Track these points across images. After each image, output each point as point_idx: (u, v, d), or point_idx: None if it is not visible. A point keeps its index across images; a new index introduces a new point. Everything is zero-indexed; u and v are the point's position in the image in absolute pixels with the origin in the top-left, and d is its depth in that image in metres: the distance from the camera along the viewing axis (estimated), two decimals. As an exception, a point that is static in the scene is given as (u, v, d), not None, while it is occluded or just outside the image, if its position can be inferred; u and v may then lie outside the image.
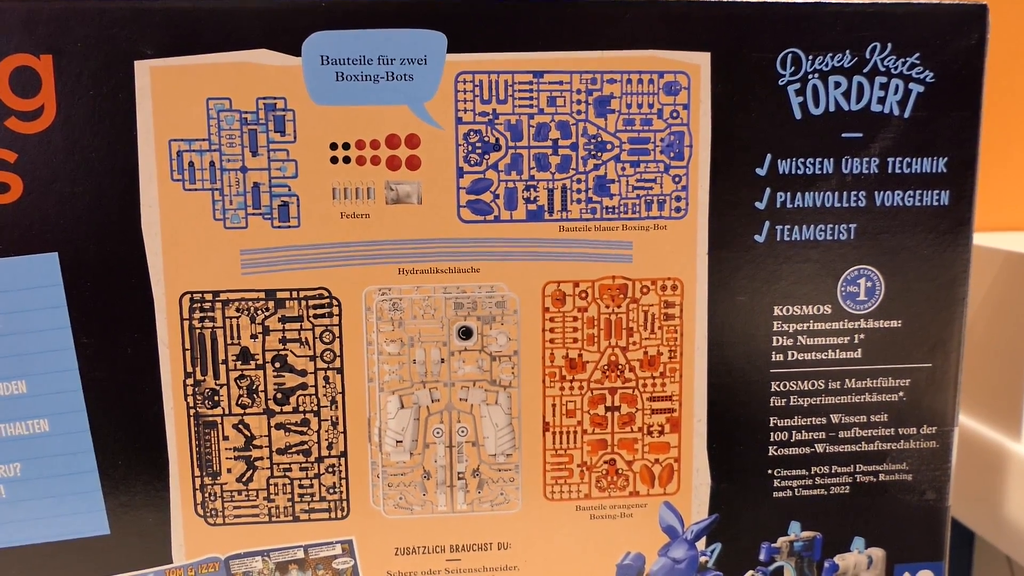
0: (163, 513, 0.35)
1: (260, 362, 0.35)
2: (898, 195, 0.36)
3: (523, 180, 0.35)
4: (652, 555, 0.37)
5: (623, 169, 0.35)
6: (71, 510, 0.35)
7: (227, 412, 0.35)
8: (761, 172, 0.35)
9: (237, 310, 0.34)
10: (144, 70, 0.33)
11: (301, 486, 0.36)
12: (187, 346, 0.34)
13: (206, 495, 0.35)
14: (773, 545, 0.38)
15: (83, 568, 0.35)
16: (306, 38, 0.33)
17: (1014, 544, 0.46)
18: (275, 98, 0.33)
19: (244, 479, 0.35)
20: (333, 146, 0.34)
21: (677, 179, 0.35)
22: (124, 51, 0.33)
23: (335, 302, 0.35)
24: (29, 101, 0.33)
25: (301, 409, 0.35)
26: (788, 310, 0.36)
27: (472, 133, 0.34)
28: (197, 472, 0.35)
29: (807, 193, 0.36)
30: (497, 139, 0.34)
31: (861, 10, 0.35)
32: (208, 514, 0.35)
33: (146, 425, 0.35)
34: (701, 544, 0.37)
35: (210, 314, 0.34)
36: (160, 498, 0.35)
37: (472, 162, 0.34)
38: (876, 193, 0.36)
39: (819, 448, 0.37)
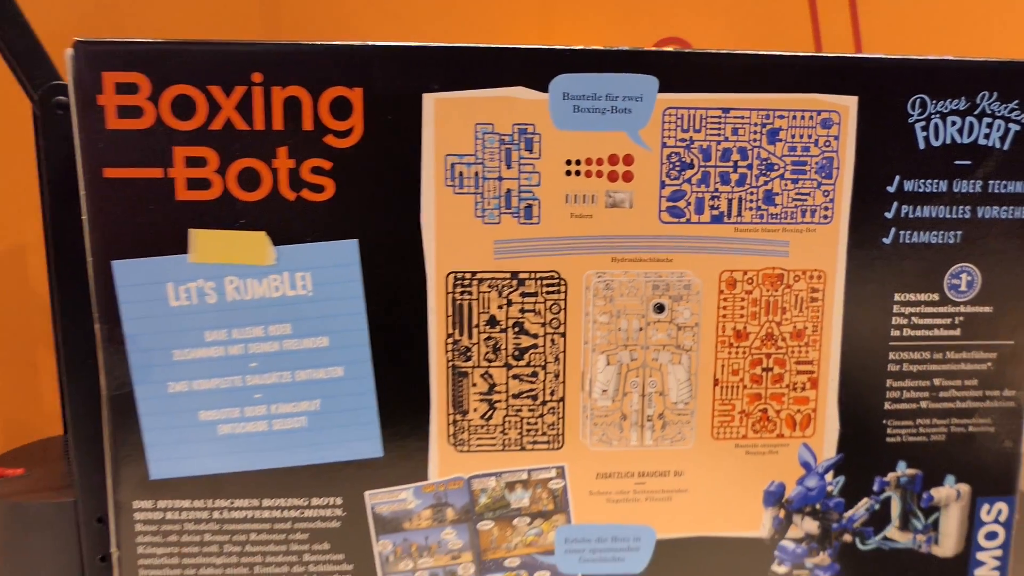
0: (424, 441, 0.46)
1: (503, 327, 0.45)
2: (995, 210, 0.46)
3: (709, 191, 0.45)
4: (791, 484, 0.48)
5: (786, 185, 0.45)
6: (355, 437, 0.45)
7: (476, 365, 0.45)
8: (891, 189, 0.46)
9: (488, 286, 0.45)
10: (430, 101, 0.43)
11: (528, 423, 0.46)
12: (449, 313, 0.45)
13: (457, 428, 0.46)
14: (884, 479, 0.48)
15: (362, 481, 0.45)
16: (553, 79, 0.43)
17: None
18: (527, 124, 0.43)
19: (486, 417, 0.46)
20: (568, 162, 0.44)
21: (826, 193, 0.45)
22: (416, 85, 0.42)
23: (563, 282, 0.45)
24: (343, 123, 0.42)
25: (532, 364, 0.46)
26: (905, 296, 0.47)
27: (673, 155, 0.44)
28: (451, 410, 0.45)
29: (925, 207, 0.46)
30: (692, 160, 0.44)
31: (976, 66, 0.45)
32: (458, 443, 0.46)
33: (415, 374, 0.45)
34: (829, 476, 0.48)
35: (468, 289, 0.44)
36: (422, 430, 0.45)
37: (672, 177, 0.44)
38: (978, 208, 0.46)
39: (923, 404, 0.48)
